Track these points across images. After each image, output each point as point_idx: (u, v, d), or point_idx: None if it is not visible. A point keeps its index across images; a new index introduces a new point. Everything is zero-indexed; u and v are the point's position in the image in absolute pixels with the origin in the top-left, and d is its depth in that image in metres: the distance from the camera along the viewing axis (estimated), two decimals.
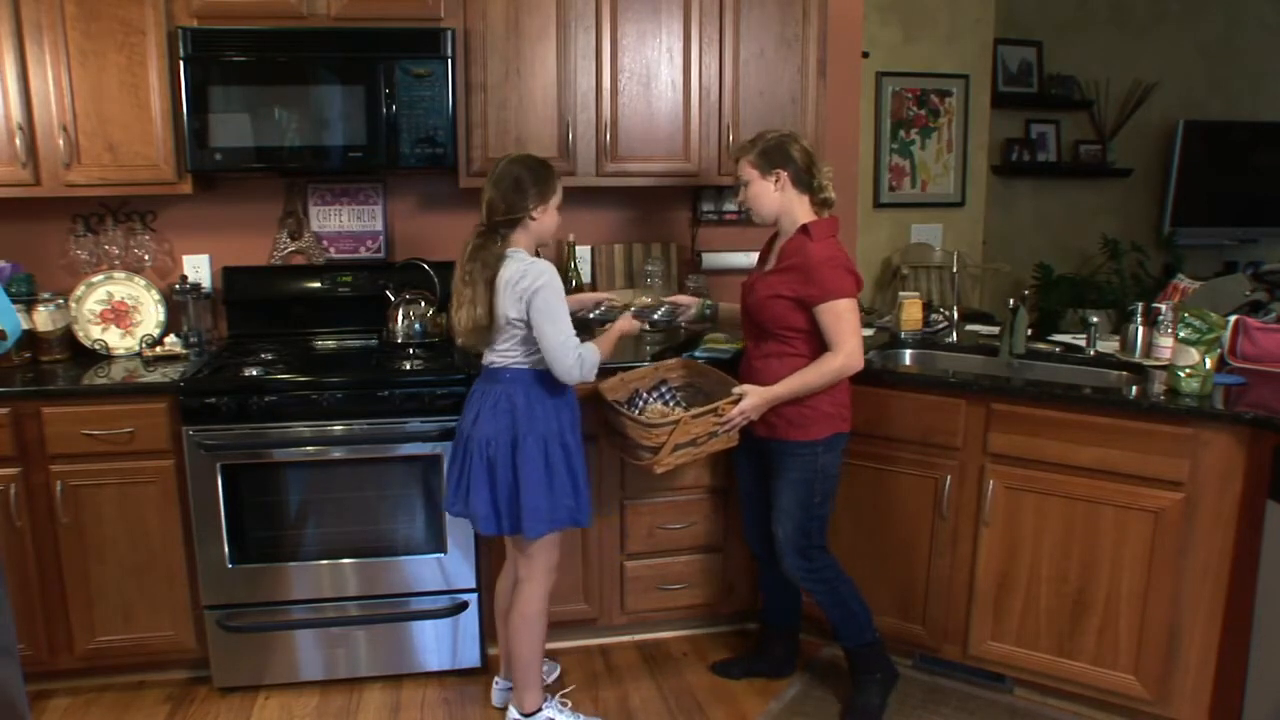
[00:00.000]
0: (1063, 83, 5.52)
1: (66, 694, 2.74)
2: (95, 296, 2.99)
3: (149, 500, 2.62)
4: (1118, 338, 2.97)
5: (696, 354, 2.76)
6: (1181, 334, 2.58)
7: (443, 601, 2.76)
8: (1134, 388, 2.49)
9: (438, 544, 2.73)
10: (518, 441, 2.30)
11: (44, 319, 2.83)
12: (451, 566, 2.74)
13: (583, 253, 3.35)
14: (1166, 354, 2.65)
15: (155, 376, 2.68)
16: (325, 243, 3.23)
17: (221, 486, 2.59)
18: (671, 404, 2.70)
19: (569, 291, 3.17)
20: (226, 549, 2.63)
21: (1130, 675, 2.48)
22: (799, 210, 2.43)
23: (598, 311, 2.72)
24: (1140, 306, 2.88)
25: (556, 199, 2.36)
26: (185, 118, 2.70)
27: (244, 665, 2.72)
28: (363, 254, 3.25)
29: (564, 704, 2.57)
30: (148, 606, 2.68)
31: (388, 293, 3.11)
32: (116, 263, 3.08)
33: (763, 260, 2.59)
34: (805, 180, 2.42)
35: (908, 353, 3.11)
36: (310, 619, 2.71)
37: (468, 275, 2.30)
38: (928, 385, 2.66)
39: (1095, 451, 2.43)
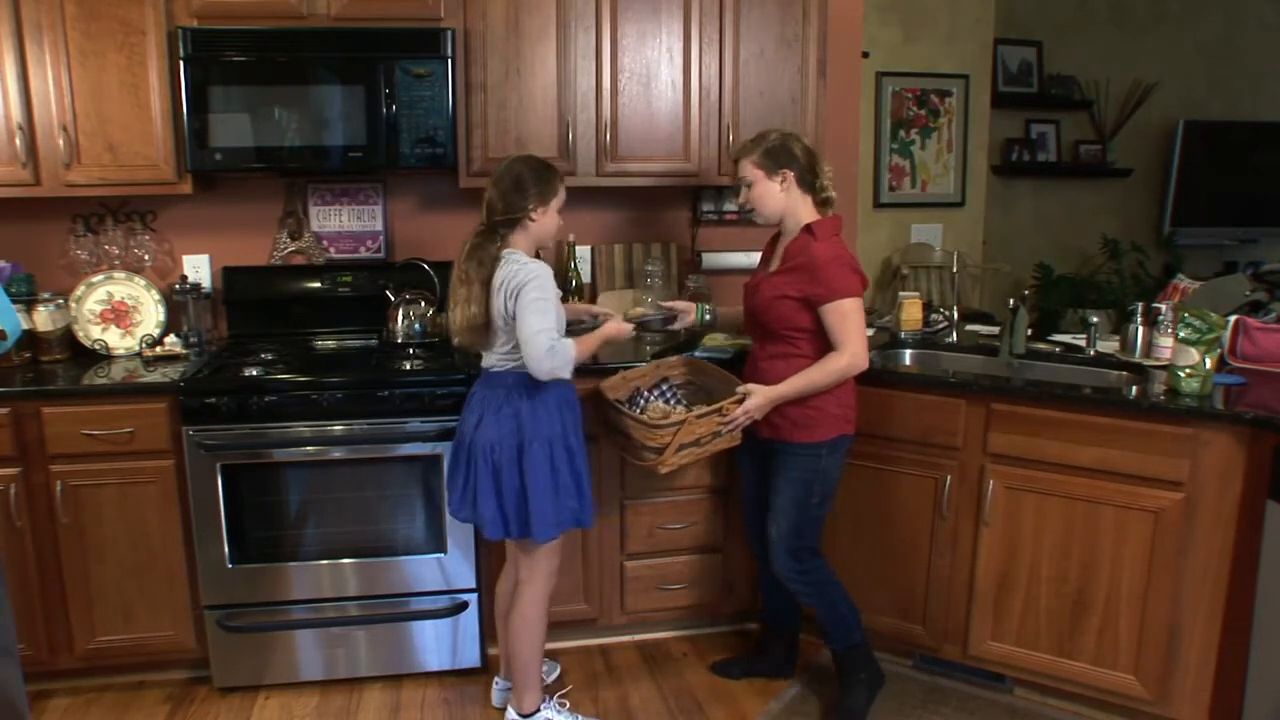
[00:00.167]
0: (1063, 83, 5.52)
1: (66, 694, 2.74)
2: (95, 296, 2.99)
3: (149, 500, 2.62)
4: (1118, 338, 2.97)
5: (696, 353, 2.76)
6: (1181, 334, 2.58)
7: (443, 601, 2.76)
8: (1134, 388, 2.49)
9: (438, 544, 2.73)
10: (523, 447, 2.29)
11: (44, 319, 2.83)
12: (451, 566, 2.74)
13: (583, 253, 3.35)
14: (1166, 354, 2.65)
15: (155, 376, 2.68)
16: (325, 243, 3.23)
17: (221, 486, 2.59)
18: (673, 402, 2.69)
19: (569, 291, 3.19)
20: (226, 549, 2.63)
21: (1130, 675, 2.48)
22: (803, 210, 2.43)
23: (589, 320, 2.68)
24: (1140, 306, 2.88)
25: (557, 201, 2.35)
26: (185, 118, 2.70)
27: (244, 665, 2.72)
28: (363, 254, 3.25)
29: (562, 704, 2.57)
30: (148, 606, 2.68)
31: (388, 293, 3.11)
32: (116, 263, 3.08)
33: (765, 261, 2.58)
34: (808, 180, 2.42)
35: (908, 353, 3.11)
36: (310, 619, 2.72)
37: (464, 274, 2.30)
38: (928, 385, 2.66)
39: (1095, 451, 2.43)
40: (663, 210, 3.43)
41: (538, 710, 2.48)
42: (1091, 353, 2.90)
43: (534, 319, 2.18)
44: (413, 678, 2.82)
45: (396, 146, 2.80)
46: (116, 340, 2.99)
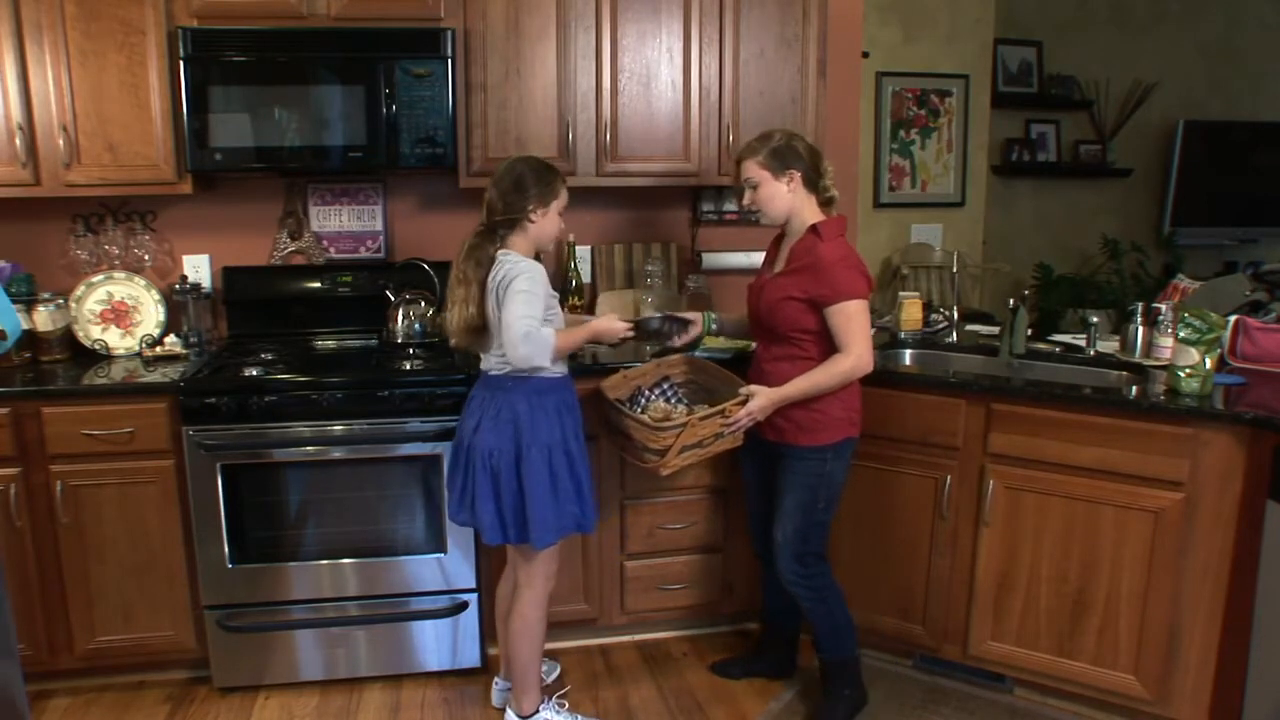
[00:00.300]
0: (1063, 83, 5.52)
1: (66, 694, 2.74)
2: (95, 296, 2.99)
3: (149, 500, 2.62)
4: (1118, 338, 2.97)
5: (696, 353, 2.76)
6: (1181, 334, 2.58)
7: (443, 601, 2.76)
8: (1134, 388, 2.49)
9: (438, 544, 2.73)
10: (522, 453, 2.27)
11: (44, 319, 2.83)
12: (451, 566, 2.74)
13: (583, 253, 3.34)
14: (1166, 354, 2.65)
15: (155, 376, 2.68)
16: (325, 243, 3.23)
17: (221, 486, 2.59)
18: (674, 401, 2.68)
19: (568, 291, 3.19)
20: (226, 549, 2.63)
21: (1130, 675, 2.48)
22: (808, 210, 2.40)
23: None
24: (1140, 306, 2.88)
25: (558, 203, 2.33)
26: (185, 118, 2.70)
27: (244, 665, 2.72)
28: (363, 254, 3.25)
29: (561, 704, 2.57)
30: (148, 606, 2.68)
31: (388, 293, 3.11)
32: (116, 263, 3.08)
33: (770, 262, 2.55)
34: (813, 179, 2.40)
35: (908, 353, 3.11)
36: (310, 619, 2.71)
37: (461, 275, 2.29)
38: (928, 385, 2.66)
39: (1095, 451, 2.43)
40: (663, 210, 3.43)
41: (537, 711, 2.48)
42: (1091, 353, 2.90)
43: (517, 307, 2.17)
44: (413, 678, 2.82)
45: (396, 146, 2.80)
46: (116, 340, 2.99)
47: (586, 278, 3.34)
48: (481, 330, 2.30)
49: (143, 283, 3.03)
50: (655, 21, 2.97)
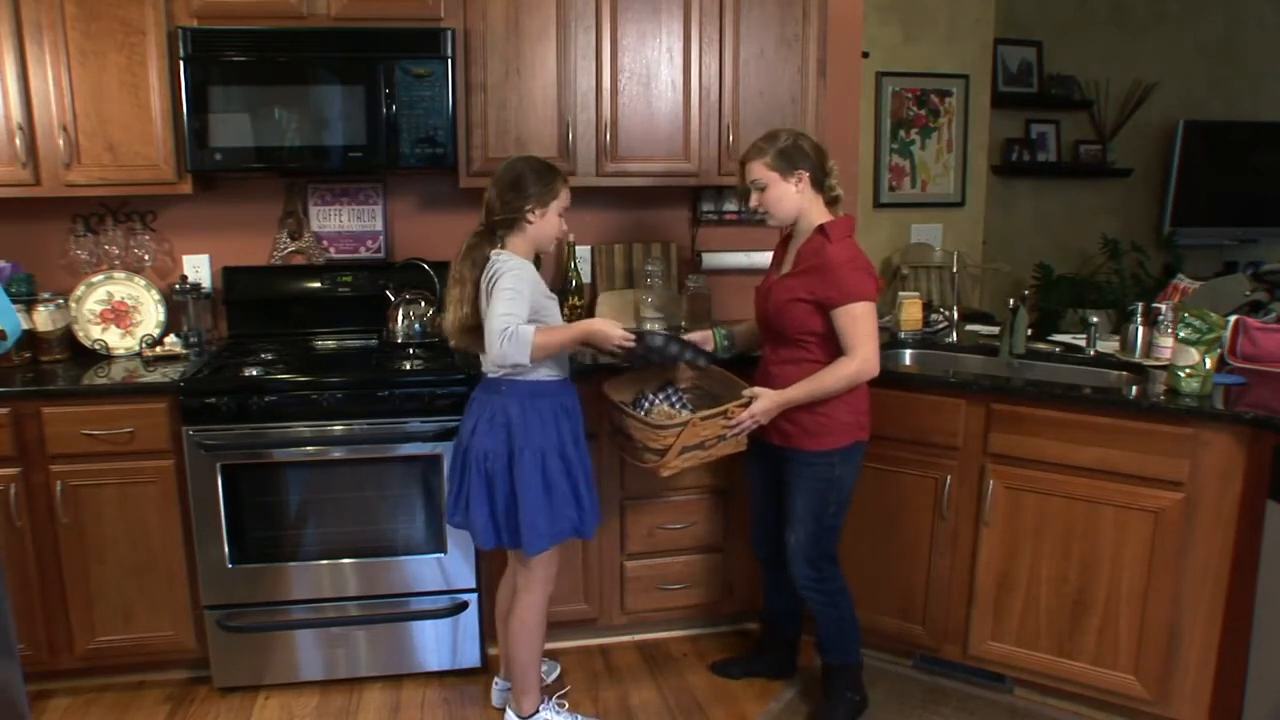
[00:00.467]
0: (1063, 83, 5.52)
1: (66, 694, 2.74)
2: (95, 296, 2.99)
3: (149, 500, 2.62)
4: (1118, 338, 2.97)
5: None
6: (1181, 334, 2.58)
7: (443, 601, 2.76)
8: (1134, 388, 2.49)
9: (438, 544, 2.73)
10: (514, 456, 2.26)
11: (44, 319, 2.83)
12: (451, 566, 2.74)
13: (583, 253, 3.34)
14: (1166, 354, 2.65)
15: (155, 376, 2.68)
16: (325, 243, 3.23)
17: (221, 486, 2.59)
18: (678, 406, 2.63)
19: (568, 291, 3.19)
20: (226, 549, 2.63)
21: (1130, 675, 2.48)
22: (815, 210, 2.37)
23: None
24: (1140, 306, 2.88)
25: (558, 204, 2.31)
26: (185, 118, 2.70)
27: (244, 665, 2.72)
28: (363, 254, 3.25)
29: (561, 705, 2.57)
30: (148, 606, 2.68)
31: (388, 293, 3.11)
32: (116, 263, 3.08)
33: (777, 264, 2.52)
34: (819, 179, 2.37)
35: (908, 353, 3.11)
36: (310, 619, 2.71)
37: (458, 275, 2.29)
38: (928, 385, 2.66)
39: (1095, 451, 2.43)
40: (663, 210, 3.43)
41: (537, 712, 2.48)
42: (1091, 353, 2.90)
43: (499, 305, 2.14)
44: (413, 678, 2.82)
45: (396, 146, 2.80)
46: (116, 340, 2.99)
47: (586, 278, 3.34)
48: (476, 330, 2.29)
49: (143, 283, 3.03)
50: (655, 21, 2.97)
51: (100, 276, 3.01)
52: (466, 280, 2.27)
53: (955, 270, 3.41)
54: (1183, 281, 3.26)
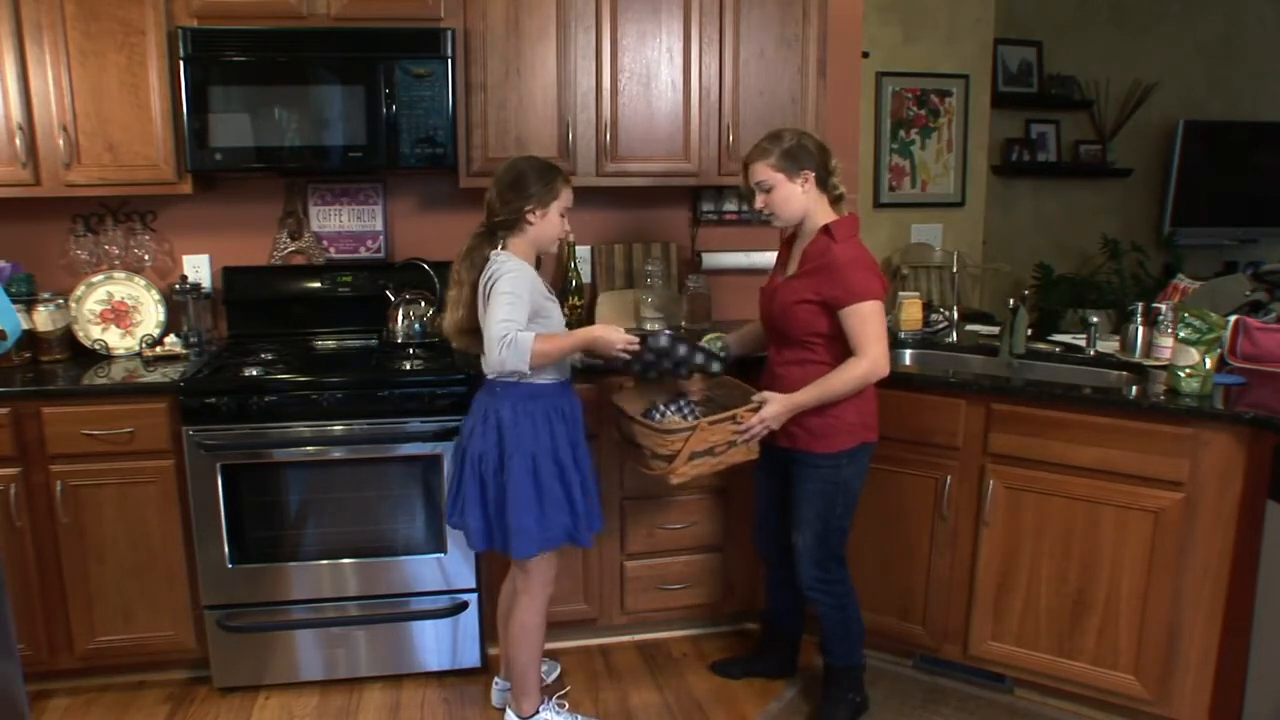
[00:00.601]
0: (1063, 83, 5.52)
1: (66, 694, 2.74)
2: (95, 296, 2.99)
3: (149, 500, 2.62)
4: (1118, 338, 2.97)
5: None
6: (1181, 334, 2.58)
7: (443, 601, 2.76)
8: (1134, 388, 2.49)
9: (438, 544, 2.73)
10: (504, 460, 2.24)
11: (44, 319, 2.83)
12: (451, 566, 2.74)
13: (583, 253, 3.34)
14: (1166, 354, 2.65)
15: (155, 376, 2.68)
16: (325, 243, 3.23)
17: (221, 486, 2.59)
18: (690, 417, 2.53)
19: (569, 291, 3.19)
20: (226, 549, 2.63)
21: (1130, 675, 2.48)
22: (820, 210, 2.35)
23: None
24: (1140, 306, 2.88)
25: (559, 204, 2.29)
26: (185, 118, 2.70)
27: (244, 665, 2.72)
28: (363, 254, 3.25)
29: (561, 705, 2.57)
30: (148, 606, 2.68)
31: (388, 293, 3.11)
32: (116, 263, 3.08)
33: (782, 265, 2.50)
34: (824, 178, 2.35)
35: (908, 353, 3.11)
36: (310, 619, 2.71)
37: (457, 276, 2.28)
38: (928, 385, 2.66)
39: (1095, 451, 2.43)
40: (663, 210, 3.43)
41: (537, 712, 2.48)
42: (1091, 353, 2.89)
43: (498, 310, 2.11)
44: (413, 678, 2.82)
45: (396, 146, 2.80)
46: (116, 340, 2.99)
47: (586, 278, 3.34)
48: (475, 333, 2.28)
49: (143, 283, 3.03)
50: (655, 21, 2.97)
51: (100, 276, 3.01)
52: (464, 282, 2.27)
53: (955, 270, 3.41)
54: (1183, 281, 3.26)
